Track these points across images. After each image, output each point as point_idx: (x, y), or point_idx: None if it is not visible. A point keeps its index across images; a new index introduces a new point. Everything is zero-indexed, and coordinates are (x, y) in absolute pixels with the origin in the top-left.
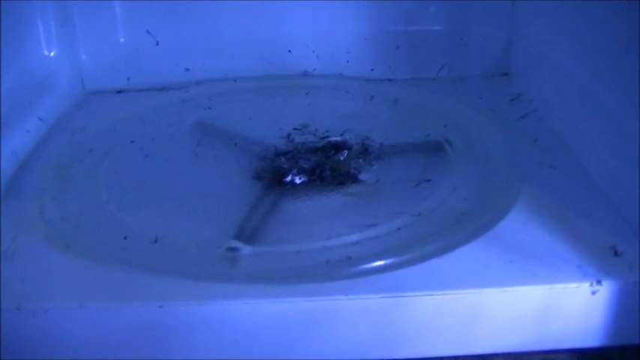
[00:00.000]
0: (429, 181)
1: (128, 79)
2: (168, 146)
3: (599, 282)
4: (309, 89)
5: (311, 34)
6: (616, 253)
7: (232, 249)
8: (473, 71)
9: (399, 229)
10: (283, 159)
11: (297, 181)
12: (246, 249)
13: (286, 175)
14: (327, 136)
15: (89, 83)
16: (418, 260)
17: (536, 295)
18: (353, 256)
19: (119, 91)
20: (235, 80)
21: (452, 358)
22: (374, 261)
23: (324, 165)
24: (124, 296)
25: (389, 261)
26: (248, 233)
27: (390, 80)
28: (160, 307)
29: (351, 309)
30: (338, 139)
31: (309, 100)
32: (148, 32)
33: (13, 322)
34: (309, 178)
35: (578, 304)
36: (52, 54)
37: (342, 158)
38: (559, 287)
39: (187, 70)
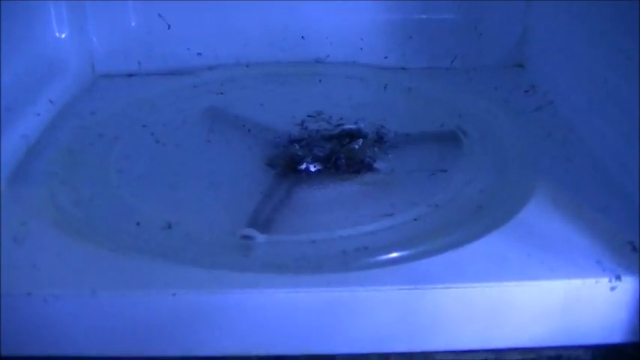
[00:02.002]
0: (445, 171)
1: (139, 62)
2: (180, 132)
3: (618, 277)
4: (322, 76)
5: (324, 21)
6: (634, 248)
7: (247, 237)
8: (487, 61)
9: (415, 219)
10: (297, 146)
11: (312, 169)
12: (260, 237)
13: (301, 163)
14: (342, 124)
15: (100, 66)
16: (436, 252)
17: (555, 289)
18: (369, 246)
19: (130, 75)
20: (247, 66)
21: (468, 352)
22: (391, 252)
23: (338, 153)
24: (136, 284)
25: (406, 252)
26: (262, 221)
27: (403, 69)
28: (174, 295)
29: (368, 300)
30: (352, 127)
31: (322, 87)
32: (160, 16)
33: (23, 309)
34: (324, 166)
35: (597, 299)
36: (62, 36)
37: (356, 146)
38: (577, 282)
39: (199, 54)
